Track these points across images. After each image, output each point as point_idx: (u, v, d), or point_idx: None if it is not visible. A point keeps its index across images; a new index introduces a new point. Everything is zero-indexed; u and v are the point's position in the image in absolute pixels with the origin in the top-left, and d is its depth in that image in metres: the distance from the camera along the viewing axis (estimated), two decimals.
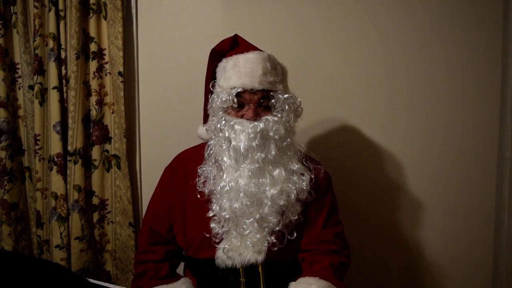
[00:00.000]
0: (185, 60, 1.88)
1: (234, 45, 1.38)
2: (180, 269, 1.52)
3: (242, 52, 1.34)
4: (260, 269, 1.31)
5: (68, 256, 1.88)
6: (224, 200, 1.29)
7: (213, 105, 1.34)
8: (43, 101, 1.88)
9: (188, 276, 1.45)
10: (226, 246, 1.30)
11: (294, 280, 1.30)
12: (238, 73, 1.30)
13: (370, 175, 1.86)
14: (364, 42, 1.81)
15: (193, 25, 1.88)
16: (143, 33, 1.92)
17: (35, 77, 1.86)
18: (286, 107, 1.32)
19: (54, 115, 1.84)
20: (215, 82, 1.37)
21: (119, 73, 1.83)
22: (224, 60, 1.36)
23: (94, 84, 1.87)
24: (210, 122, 1.37)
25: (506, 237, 1.76)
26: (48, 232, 1.91)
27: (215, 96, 1.34)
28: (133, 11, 1.90)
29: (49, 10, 1.81)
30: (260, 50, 1.37)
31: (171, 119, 1.92)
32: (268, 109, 1.32)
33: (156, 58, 1.92)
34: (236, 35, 1.40)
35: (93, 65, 1.86)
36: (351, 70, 1.83)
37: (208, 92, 1.40)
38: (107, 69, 1.88)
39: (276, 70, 1.34)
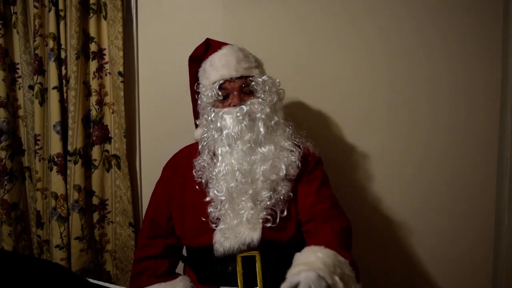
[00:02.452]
0: (185, 60, 1.85)
1: (208, 48, 1.49)
2: (180, 270, 1.52)
3: (215, 51, 1.46)
4: (257, 259, 1.30)
5: (68, 256, 1.88)
6: (221, 183, 1.34)
7: (202, 104, 1.44)
8: (43, 101, 1.88)
9: (188, 273, 1.46)
10: (223, 226, 1.32)
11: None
12: (215, 68, 1.42)
13: (370, 174, 1.86)
14: (365, 42, 1.81)
15: (193, 25, 1.88)
16: (143, 33, 1.92)
17: (35, 77, 1.86)
18: (267, 88, 1.42)
19: (54, 115, 1.84)
20: (199, 84, 1.48)
21: (119, 73, 1.83)
22: (202, 63, 1.48)
23: (94, 84, 1.87)
24: (202, 119, 1.45)
25: (506, 237, 1.76)
26: (48, 232, 1.91)
27: (202, 95, 1.44)
28: (133, 11, 1.90)
29: (49, 10, 1.81)
30: (231, 45, 1.47)
31: (171, 119, 1.92)
32: (252, 93, 1.41)
33: (156, 58, 1.92)
34: (207, 39, 1.51)
35: (93, 65, 1.86)
36: (352, 70, 1.83)
37: (194, 95, 1.50)
38: (107, 69, 1.88)
39: (249, 58, 1.45)
